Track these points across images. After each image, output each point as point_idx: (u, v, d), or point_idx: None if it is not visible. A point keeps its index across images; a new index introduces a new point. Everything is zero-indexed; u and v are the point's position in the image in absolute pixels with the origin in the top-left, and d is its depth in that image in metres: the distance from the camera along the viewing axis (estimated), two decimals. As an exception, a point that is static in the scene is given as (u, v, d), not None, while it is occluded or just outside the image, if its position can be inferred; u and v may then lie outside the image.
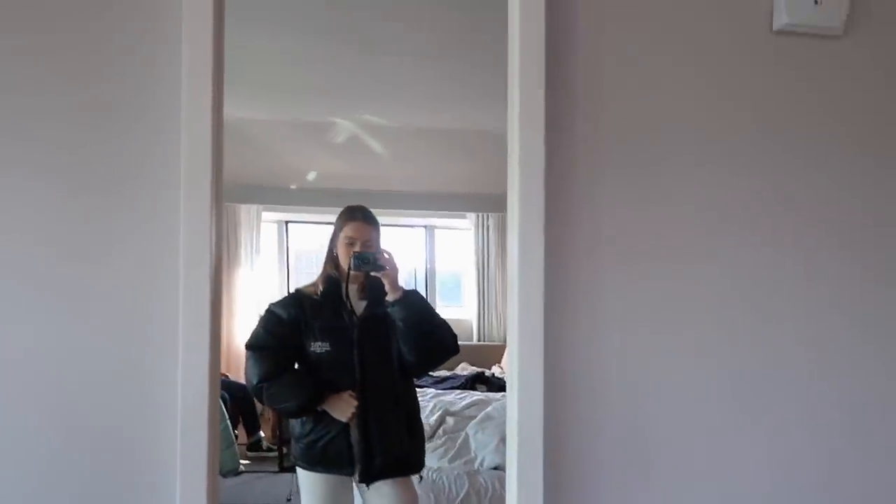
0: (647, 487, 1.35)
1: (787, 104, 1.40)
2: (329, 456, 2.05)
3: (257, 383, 2.04)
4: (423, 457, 2.22)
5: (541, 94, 1.26)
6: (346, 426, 2.03)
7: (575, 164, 1.33)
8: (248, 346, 2.09)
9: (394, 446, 2.08)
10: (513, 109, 1.28)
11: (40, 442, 1.21)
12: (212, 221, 1.16)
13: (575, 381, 1.32)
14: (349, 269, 2.02)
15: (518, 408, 1.25)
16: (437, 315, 2.12)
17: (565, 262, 1.32)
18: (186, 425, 1.14)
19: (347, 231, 2.09)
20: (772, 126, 1.39)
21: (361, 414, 2.02)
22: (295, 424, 2.14)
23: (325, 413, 2.04)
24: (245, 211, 5.49)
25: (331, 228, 2.16)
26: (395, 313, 2.00)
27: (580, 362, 1.33)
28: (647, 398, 1.35)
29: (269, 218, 5.76)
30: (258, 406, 4.99)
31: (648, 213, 1.35)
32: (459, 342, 2.15)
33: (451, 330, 2.11)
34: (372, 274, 2.03)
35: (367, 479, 2.05)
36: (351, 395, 2.00)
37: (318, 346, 2.05)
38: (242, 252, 5.50)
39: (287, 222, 5.89)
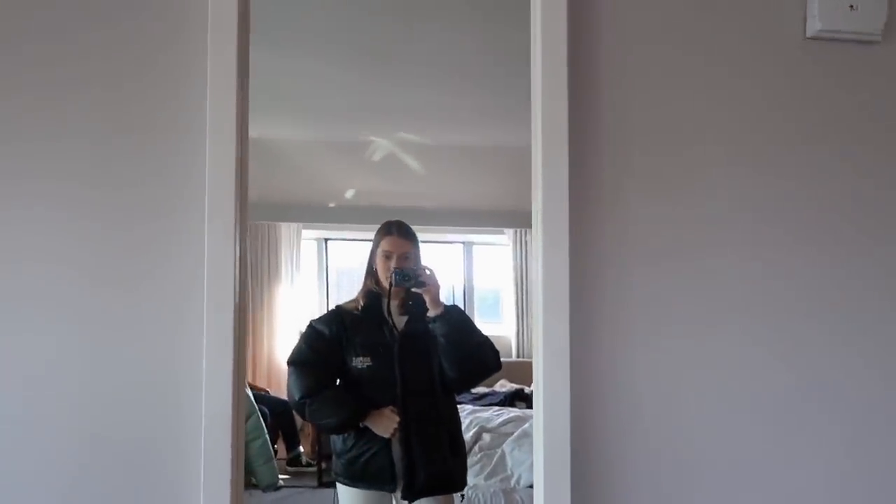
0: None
1: (821, 110, 1.37)
2: (370, 472, 2.04)
3: (299, 399, 2.06)
4: (466, 474, 2.20)
5: (564, 105, 1.25)
6: (388, 442, 2.02)
7: (600, 176, 1.31)
8: (290, 363, 2.11)
9: (436, 462, 2.06)
10: (536, 121, 1.27)
11: (69, 454, 1.24)
12: (236, 240, 1.19)
13: (603, 395, 1.30)
14: (390, 284, 2.02)
15: (544, 425, 1.23)
16: (478, 331, 2.10)
17: (591, 275, 1.30)
18: (210, 438, 1.15)
19: (385, 245, 2.10)
20: (806, 132, 1.36)
21: (403, 430, 2.01)
22: (336, 440, 2.13)
23: (366, 429, 2.04)
24: (285, 229, 5.58)
25: (369, 245, 2.18)
26: (437, 329, 1.99)
27: (608, 376, 1.30)
28: (678, 411, 1.32)
29: (309, 236, 5.83)
30: (298, 421, 5.03)
31: (677, 222, 1.33)
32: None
33: (493, 346, 2.09)
34: (413, 290, 2.02)
35: (410, 495, 2.03)
36: (393, 411, 2.00)
37: (359, 362, 2.05)
38: (283, 269, 5.58)
39: (326, 240, 5.96)
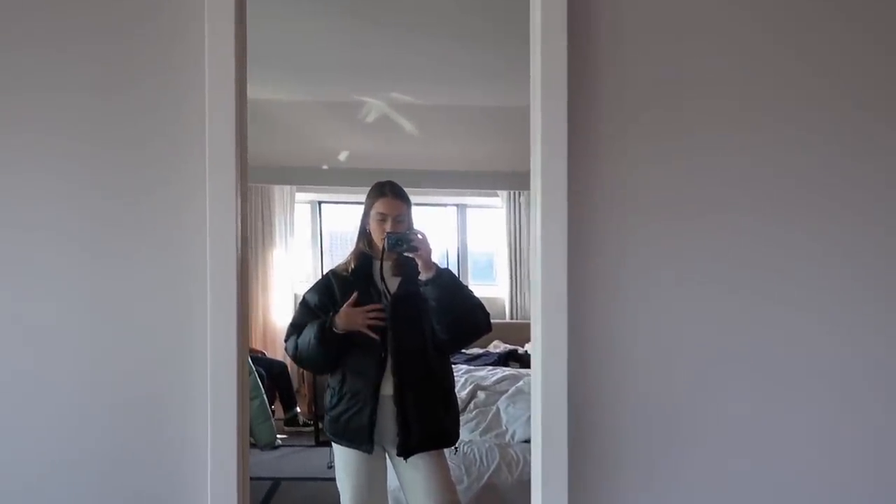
0: (673, 461, 1.35)
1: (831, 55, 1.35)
2: (350, 430, 2.08)
3: (288, 341, 2.13)
4: (458, 430, 2.24)
5: (563, 61, 1.25)
6: (371, 402, 2.05)
7: (598, 133, 1.32)
8: (286, 339, 2.17)
9: (430, 421, 2.10)
10: (535, 78, 1.27)
11: (79, 411, 1.27)
12: (237, 196, 1.19)
13: (599, 351, 1.33)
14: (383, 248, 2.03)
15: (542, 381, 1.26)
16: (470, 294, 2.12)
17: (589, 233, 1.31)
18: (216, 394, 1.18)
19: (378, 207, 2.10)
20: (811, 85, 1.36)
21: (398, 389, 2.04)
22: (325, 397, 2.18)
23: (351, 387, 2.08)
24: (278, 192, 5.56)
25: (363, 208, 2.18)
26: (429, 292, 2.01)
27: (605, 332, 1.33)
28: (674, 367, 1.34)
29: (303, 199, 5.82)
30: (294, 382, 5.09)
31: (676, 181, 1.34)
32: (492, 320, 2.16)
33: (485, 308, 2.12)
34: (405, 255, 2.04)
35: (405, 452, 2.08)
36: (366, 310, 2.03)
37: None
38: (276, 233, 5.57)
39: (320, 202, 5.95)
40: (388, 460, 2.20)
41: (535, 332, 1.29)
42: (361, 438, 2.07)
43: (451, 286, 2.05)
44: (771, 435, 1.36)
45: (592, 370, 1.32)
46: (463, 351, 4.95)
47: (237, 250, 1.20)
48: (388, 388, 2.06)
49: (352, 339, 2.06)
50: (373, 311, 2.02)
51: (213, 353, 1.19)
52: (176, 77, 1.25)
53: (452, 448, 2.29)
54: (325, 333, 2.03)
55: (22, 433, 1.27)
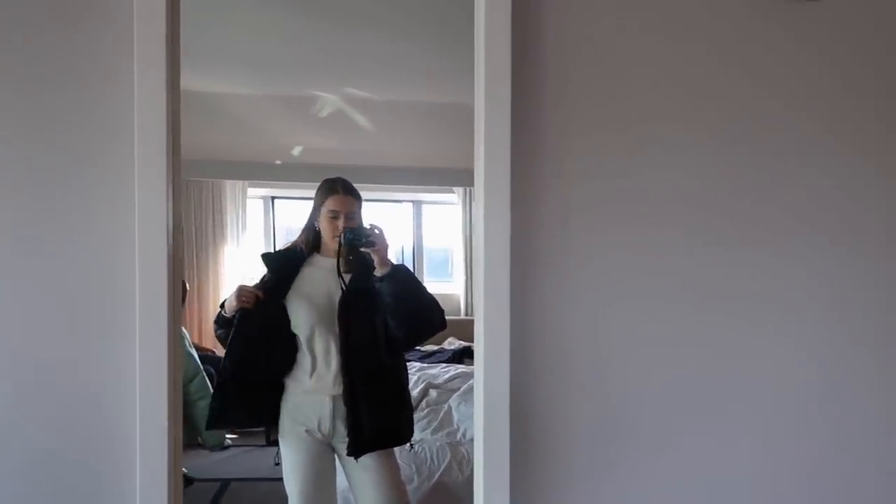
0: (614, 462, 1.36)
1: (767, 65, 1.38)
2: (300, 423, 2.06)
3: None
4: (412, 427, 2.21)
5: (507, 58, 1.25)
6: (322, 398, 2.04)
7: (541, 132, 1.32)
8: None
9: (383, 419, 2.07)
10: (479, 76, 1.26)
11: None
12: (168, 189, 1.15)
13: (544, 353, 1.33)
14: (339, 244, 2.01)
15: (484, 380, 1.26)
16: (424, 290, 2.11)
17: (532, 231, 1.31)
18: (146, 395, 1.14)
19: (330, 204, 2.08)
20: (749, 91, 1.38)
21: (348, 388, 2.01)
22: None
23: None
24: (230, 187, 5.46)
25: (312, 204, 2.15)
26: (384, 288, 1.99)
27: (547, 329, 1.33)
28: (616, 371, 1.36)
29: (255, 194, 5.73)
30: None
31: (620, 181, 1.35)
32: (448, 316, 2.15)
33: (439, 305, 2.10)
34: (362, 249, 2.02)
35: (356, 452, 2.04)
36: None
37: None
38: (228, 229, 5.48)
39: (273, 198, 5.86)
40: (336, 460, 2.17)
41: (479, 329, 1.29)
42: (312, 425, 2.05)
43: (406, 282, 2.03)
44: (706, 425, 1.39)
45: (535, 369, 1.32)
46: (417, 348, 4.95)
47: (168, 246, 1.16)
48: (336, 388, 2.03)
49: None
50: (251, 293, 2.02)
51: (142, 353, 1.15)
52: (106, 67, 1.20)
53: (408, 445, 2.27)
54: (217, 316, 2.08)
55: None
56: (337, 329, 2.02)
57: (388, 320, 2.02)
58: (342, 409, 2.02)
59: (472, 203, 5.80)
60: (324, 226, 2.08)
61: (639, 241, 1.35)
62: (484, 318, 1.26)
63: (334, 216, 2.06)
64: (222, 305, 2.09)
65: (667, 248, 1.37)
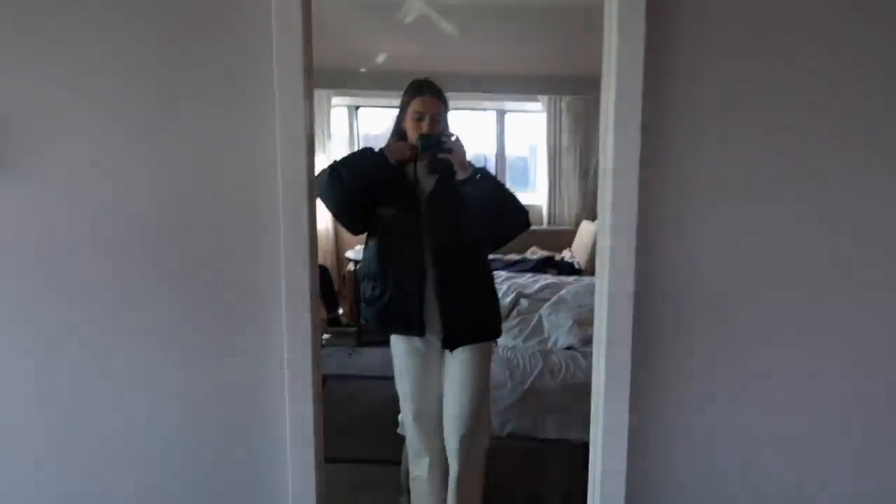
0: (733, 357, 1.36)
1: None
2: (401, 318, 2.11)
3: (320, 174, 2.02)
4: (500, 324, 2.28)
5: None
6: (418, 293, 2.07)
7: (678, 42, 1.25)
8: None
9: (472, 314, 2.13)
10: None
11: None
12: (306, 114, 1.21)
13: (667, 255, 1.32)
14: (416, 148, 2.02)
15: (609, 280, 1.26)
16: (506, 190, 2.08)
17: (661, 138, 1.28)
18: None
19: (415, 106, 2.07)
20: None
21: (438, 284, 2.06)
22: (366, 289, 2.20)
23: (392, 276, 2.10)
24: (315, 96, 5.49)
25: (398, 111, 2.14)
26: (465, 191, 2.00)
27: (673, 236, 1.31)
28: (738, 272, 1.33)
29: (340, 103, 5.74)
30: (336, 284, 5.20)
31: (756, 81, 1.28)
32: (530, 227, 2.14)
33: (521, 206, 2.08)
34: (439, 156, 2.02)
35: (449, 344, 2.12)
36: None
37: (386, 212, 2.08)
38: (314, 138, 5.55)
39: (357, 107, 5.86)
40: (438, 354, 2.20)
41: (605, 223, 1.28)
42: (412, 324, 2.09)
43: (487, 184, 2.03)
44: (825, 336, 1.37)
45: (658, 270, 1.32)
46: (500, 257, 4.99)
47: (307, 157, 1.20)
48: (429, 284, 2.07)
49: (389, 223, 2.08)
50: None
51: (286, 252, 1.21)
52: None
53: (494, 342, 2.33)
54: (378, 157, 2.01)
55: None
56: (427, 229, 2.05)
57: (471, 222, 2.03)
58: (435, 304, 2.08)
59: (559, 111, 5.65)
60: (409, 126, 2.08)
61: (772, 149, 1.30)
62: (611, 215, 1.25)
63: (419, 117, 2.05)
64: (380, 151, 2.04)
65: (798, 160, 1.31)
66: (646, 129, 1.24)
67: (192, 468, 1.43)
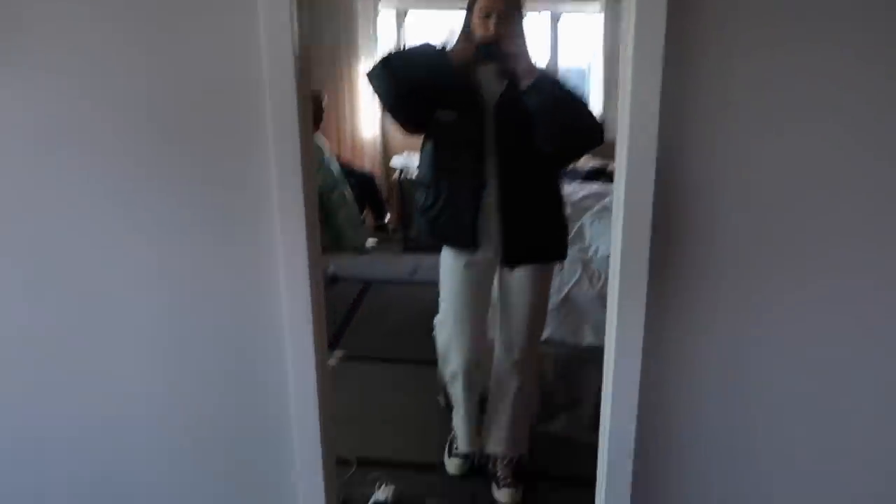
0: (759, 281, 1.32)
1: None
2: (452, 230, 2.04)
3: (383, 63, 1.89)
4: (566, 245, 2.19)
5: None
6: (472, 207, 1.98)
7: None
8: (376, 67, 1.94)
9: (536, 232, 2.06)
10: None
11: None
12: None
13: (690, 172, 1.27)
14: (476, 55, 1.91)
15: (626, 193, 1.23)
16: (578, 100, 1.90)
17: (688, 56, 1.20)
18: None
19: (482, 2, 1.93)
20: None
21: (502, 196, 1.98)
22: (419, 198, 2.14)
23: (447, 186, 2.02)
24: (362, 2, 5.35)
25: (449, 15, 2.03)
26: (529, 100, 1.86)
27: (697, 154, 1.26)
28: (768, 203, 1.28)
29: (388, 5, 5.59)
30: (384, 192, 5.24)
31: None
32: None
33: (594, 117, 1.93)
34: (500, 65, 1.91)
35: (510, 261, 2.05)
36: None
37: (445, 115, 1.97)
38: (360, 45, 5.44)
39: (405, 11, 5.70)
40: (494, 268, 2.16)
41: (622, 134, 1.24)
42: (463, 238, 2.03)
43: (552, 92, 1.87)
44: (870, 282, 1.30)
45: (681, 187, 1.28)
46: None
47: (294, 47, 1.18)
48: (491, 196, 1.99)
49: (448, 128, 1.98)
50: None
51: (278, 166, 1.22)
52: None
53: (560, 264, 2.26)
54: (438, 54, 1.88)
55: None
56: (493, 138, 1.96)
57: (537, 134, 1.90)
58: (497, 217, 2.01)
59: (617, 13, 5.36)
60: (476, 24, 1.94)
61: (808, 68, 1.21)
62: (629, 127, 1.21)
63: (486, 14, 1.91)
64: (442, 47, 1.90)
65: (835, 78, 1.21)
66: (670, 36, 1.17)
67: (189, 354, 1.46)
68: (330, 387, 1.47)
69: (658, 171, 1.23)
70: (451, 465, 2.40)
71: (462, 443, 2.38)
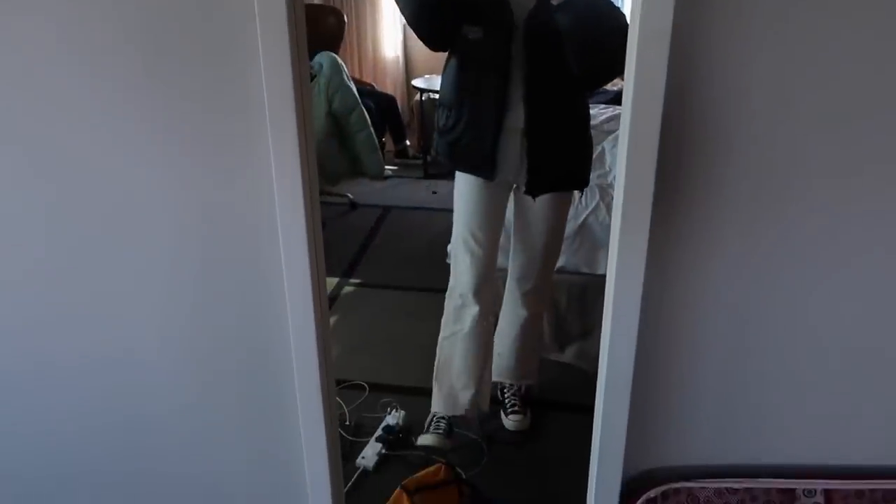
0: (766, 212, 1.23)
1: None
2: (470, 156, 1.96)
3: None
4: (589, 173, 2.09)
5: None
6: (493, 132, 1.89)
7: None
8: None
9: (563, 160, 1.98)
10: None
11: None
12: None
13: (700, 103, 1.17)
14: None
15: (633, 111, 1.15)
16: (611, 19, 1.75)
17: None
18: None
19: None
20: None
21: (529, 121, 1.88)
22: (440, 118, 2.04)
23: (469, 107, 1.92)
24: None
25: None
26: (560, 19, 1.74)
27: (709, 83, 1.15)
28: (793, 119, 1.16)
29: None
30: (405, 116, 5.13)
31: None
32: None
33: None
34: None
35: (534, 190, 1.97)
36: None
37: (471, 31, 1.85)
38: (383, -42, 5.23)
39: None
40: (510, 193, 2.10)
41: (631, 44, 1.14)
42: (482, 165, 1.94)
43: (588, 10, 1.75)
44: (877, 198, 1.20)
45: (689, 112, 1.18)
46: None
47: None
48: (516, 120, 1.89)
49: (473, 45, 1.86)
50: None
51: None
52: None
53: (579, 193, 2.18)
54: None
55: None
56: (522, 58, 1.84)
57: (568, 56, 1.78)
58: (522, 143, 1.92)
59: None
60: None
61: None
62: (638, 37, 1.11)
63: None
64: None
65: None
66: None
67: (189, 273, 1.40)
68: (326, 303, 1.42)
69: (668, 87, 1.13)
70: (427, 438, 2.24)
71: (443, 403, 2.21)
